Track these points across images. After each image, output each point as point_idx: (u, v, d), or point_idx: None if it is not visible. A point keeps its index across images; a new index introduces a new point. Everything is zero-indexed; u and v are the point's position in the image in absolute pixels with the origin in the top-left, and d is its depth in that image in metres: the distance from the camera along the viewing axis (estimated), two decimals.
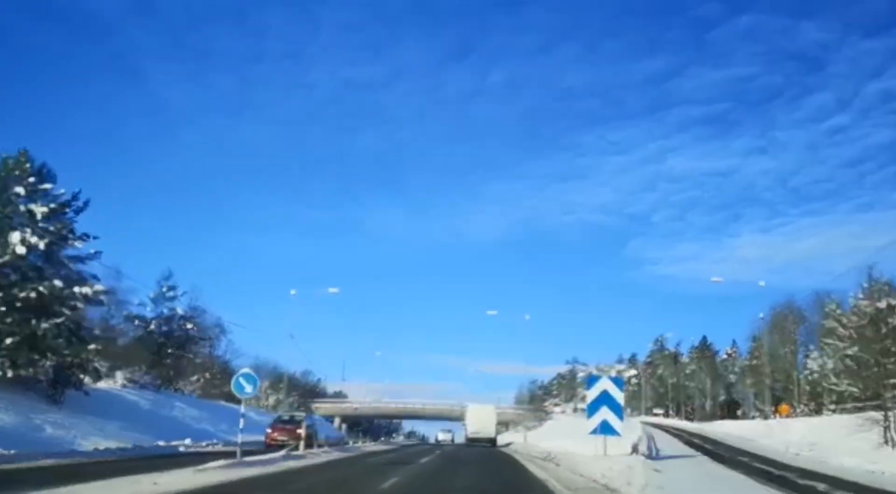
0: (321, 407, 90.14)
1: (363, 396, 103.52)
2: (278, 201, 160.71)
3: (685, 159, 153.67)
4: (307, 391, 76.47)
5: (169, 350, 35.93)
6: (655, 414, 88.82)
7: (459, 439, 59.11)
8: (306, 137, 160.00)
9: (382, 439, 77.75)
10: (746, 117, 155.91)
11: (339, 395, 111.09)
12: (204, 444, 23.84)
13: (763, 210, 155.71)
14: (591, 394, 21.77)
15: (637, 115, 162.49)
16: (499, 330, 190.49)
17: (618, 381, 22.50)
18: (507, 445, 49.98)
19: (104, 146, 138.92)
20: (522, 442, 46.02)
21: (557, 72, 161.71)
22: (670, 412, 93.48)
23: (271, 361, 67.65)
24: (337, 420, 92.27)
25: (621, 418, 20.98)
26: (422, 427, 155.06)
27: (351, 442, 42.66)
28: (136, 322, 35.27)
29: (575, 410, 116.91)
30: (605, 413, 20.67)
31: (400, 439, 79.66)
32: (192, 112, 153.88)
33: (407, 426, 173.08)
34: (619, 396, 21.00)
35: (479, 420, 47.73)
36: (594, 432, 20.96)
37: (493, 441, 45.76)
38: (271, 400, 54.88)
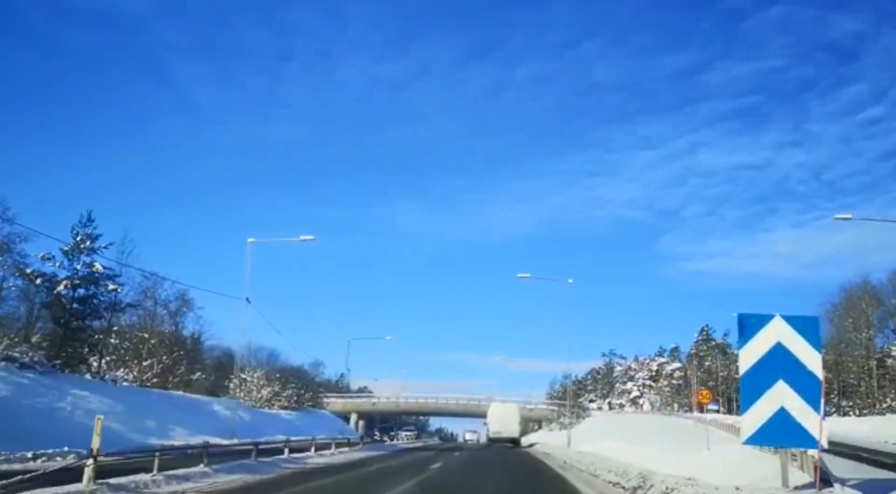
0: (333, 402, 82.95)
1: (389, 393, 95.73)
2: (304, 202, 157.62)
3: (716, 154, 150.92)
4: (314, 385, 68.77)
5: (80, 322, 28.12)
6: (710, 411, 79.38)
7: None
8: (333, 136, 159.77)
9: (387, 438, 69.74)
10: (778, 110, 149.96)
11: (363, 391, 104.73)
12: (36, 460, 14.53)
13: (797, 204, 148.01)
14: (750, 353, 9.86)
15: (666, 109, 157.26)
16: (530, 327, 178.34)
17: (806, 324, 9.88)
18: (531, 446, 44.42)
19: (131, 146, 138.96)
20: (559, 445, 37.94)
21: (584, 67, 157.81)
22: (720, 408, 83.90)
23: (267, 347, 60.55)
24: (354, 417, 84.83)
25: (819, 406, 9.46)
26: (451, 425, 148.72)
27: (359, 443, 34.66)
28: (39, 282, 27.54)
29: (611, 406, 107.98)
30: (781, 395, 9.42)
31: (403, 439, 70.31)
32: (220, 112, 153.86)
33: (435, 423, 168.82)
34: (813, 358, 9.59)
35: (501, 419, 44.93)
36: (757, 437, 9.81)
37: (515, 442, 42.46)
38: (265, 392, 47.24)
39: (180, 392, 35.72)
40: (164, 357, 36.64)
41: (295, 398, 51.19)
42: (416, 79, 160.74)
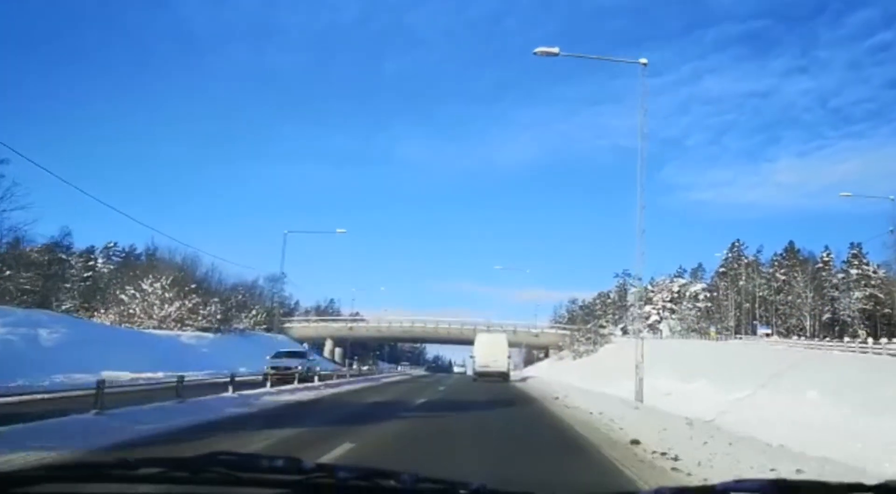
0: (301, 327, 70.80)
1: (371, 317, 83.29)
2: (304, 131, 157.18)
3: (722, 80, 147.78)
4: (267, 305, 55.90)
5: None
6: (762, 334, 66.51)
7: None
8: (333, 64, 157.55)
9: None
10: (787, 35, 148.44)
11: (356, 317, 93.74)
12: None
13: (802, 133, 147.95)
14: None
15: (672, 34, 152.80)
16: (534, 257, 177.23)
17: None
18: (524, 380, 41.66)
19: (130, 72, 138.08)
20: (583, 388, 25.57)
21: None
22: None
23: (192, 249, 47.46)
24: (329, 345, 72.73)
25: None
26: (451, 354, 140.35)
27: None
28: None
29: (625, 332, 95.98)
30: None
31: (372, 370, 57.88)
32: (216, 38, 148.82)
33: (433, 353, 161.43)
34: None
35: (489, 352, 41.08)
36: None
37: (504, 376, 39.80)
38: (173, 309, 34.13)
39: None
40: None
41: (219, 318, 38.25)
42: (416, 2, 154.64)
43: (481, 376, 39.19)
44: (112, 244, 78.68)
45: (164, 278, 35.85)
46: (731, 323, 79.05)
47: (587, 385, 28.53)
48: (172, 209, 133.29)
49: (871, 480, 1.61)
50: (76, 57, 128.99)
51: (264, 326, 54.49)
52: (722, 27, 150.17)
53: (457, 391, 25.62)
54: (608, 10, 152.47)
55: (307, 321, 73.20)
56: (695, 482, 6.28)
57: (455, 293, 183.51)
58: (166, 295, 35.11)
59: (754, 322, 75.41)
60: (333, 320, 75.23)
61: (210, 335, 35.93)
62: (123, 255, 75.14)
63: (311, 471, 1.70)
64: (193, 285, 38.06)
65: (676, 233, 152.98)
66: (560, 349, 67.88)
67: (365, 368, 57.47)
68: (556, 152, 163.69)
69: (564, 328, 73.11)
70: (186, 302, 35.93)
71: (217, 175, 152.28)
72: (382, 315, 74.03)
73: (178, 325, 35.31)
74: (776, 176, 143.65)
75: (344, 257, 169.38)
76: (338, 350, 73.04)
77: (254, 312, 53.51)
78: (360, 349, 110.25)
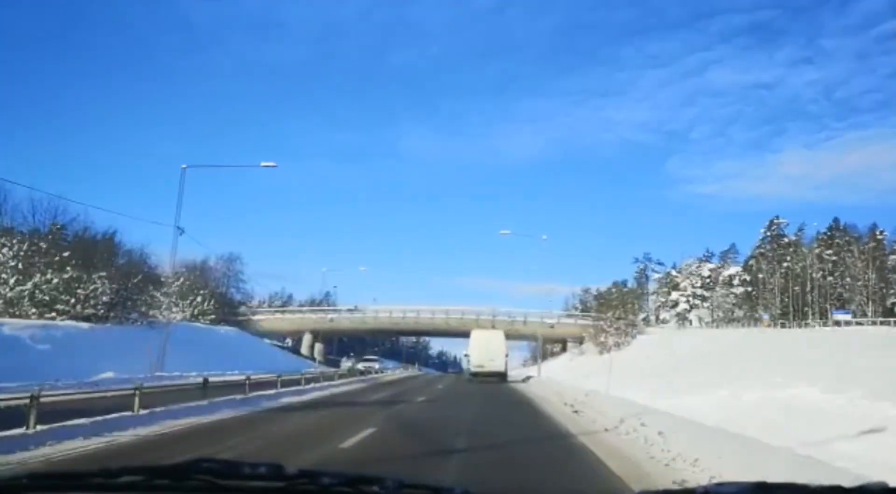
0: (272, 319, 60.38)
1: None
2: (308, 125, 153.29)
3: (727, 71, 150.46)
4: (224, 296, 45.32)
5: None
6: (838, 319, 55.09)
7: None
8: (336, 57, 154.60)
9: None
10: (792, 25, 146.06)
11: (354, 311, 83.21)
12: None
13: (808, 124, 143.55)
14: None
15: (677, 25, 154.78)
16: (542, 251, 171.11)
17: None
18: (524, 380, 37.02)
19: (130, 66, 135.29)
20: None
21: None
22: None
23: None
24: (307, 339, 62.19)
25: None
26: (457, 348, 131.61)
27: None
28: None
29: (647, 322, 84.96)
30: None
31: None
32: (218, 31, 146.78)
33: (437, 347, 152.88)
34: None
35: (485, 350, 38.31)
36: None
37: (502, 376, 37.26)
38: (29, 287, 23.46)
39: None
40: None
41: (106, 301, 27.49)
42: None
43: (476, 376, 36.95)
44: None
45: (16, 243, 25.24)
46: (777, 310, 68.05)
47: (632, 394, 18.08)
48: (172, 208, 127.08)
49: (849, 483, 1.61)
50: (77, 51, 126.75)
51: (211, 316, 44.24)
52: (727, 17, 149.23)
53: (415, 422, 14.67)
54: (613, 0, 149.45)
55: (281, 312, 62.73)
56: None
57: (461, 288, 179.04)
58: (19, 267, 24.66)
59: (825, 306, 63.92)
60: (313, 311, 64.15)
61: (86, 326, 25.42)
62: None
63: (294, 478, 1.66)
64: (67, 254, 27.47)
65: (682, 226, 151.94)
66: (579, 341, 57.16)
67: (361, 366, 47.22)
68: (561, 145, 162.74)
69: (587, 317, 62.12)
70: (49, 277, 25.22)
71: (217, 171, 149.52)
72: (372, 307, 62.99)
73: (48, 310, 24.96)
74: (782, 168, 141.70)
75: (344, 254, 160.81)
76: (318, 346, 62.59)
77: (199, 298, 43.10)
78: (358, 345, 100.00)
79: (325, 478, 1.61)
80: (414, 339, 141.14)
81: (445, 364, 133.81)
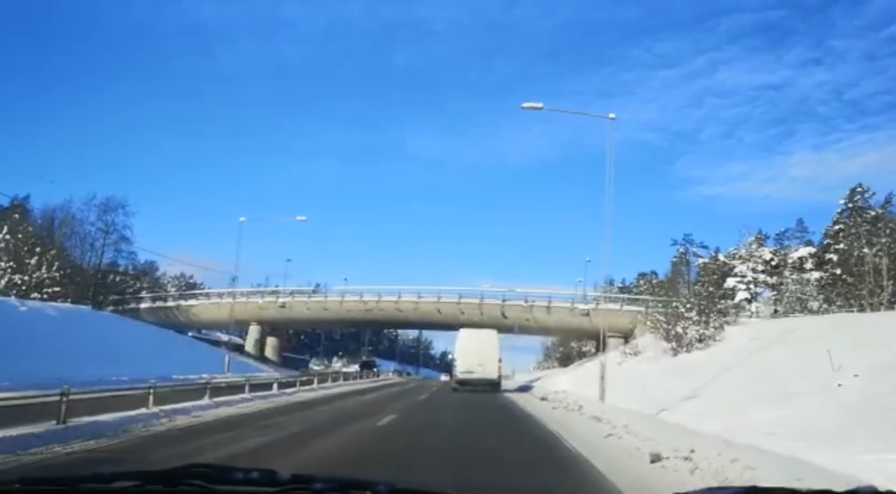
0: (208, 305, 45.30)
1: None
2: (313, 126, 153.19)
3: (736, 72, 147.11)
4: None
5: None
6: None
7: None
8: (341, 57, 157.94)
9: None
10: (802, 25, 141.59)
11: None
12: None
13: (817, 126, 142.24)
14: None
15: (685, 25, 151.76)
16: (546, 251, 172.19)
17: None
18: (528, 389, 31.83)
19: (136, 65, 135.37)
20: None
21: None
22: None
23: None
24: (254, 331, 46.69)
25: None
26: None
27: None
28: None
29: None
30: None
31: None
32: (223, 31, 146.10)
33: (440, 346, 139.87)
34: None
35: (474, 353, 31.51)
36: None
37: (495, 384, 31.44)
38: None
39: None
40: None
41: None
42: None
43: (463, 384, 31.32)
44: None
45: None
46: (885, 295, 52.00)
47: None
48: (178, 207, 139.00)
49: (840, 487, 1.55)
50: (82, 50, 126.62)
51: (54, 289, 28.97)
52: (735, 17, 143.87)
53: None
54: (620, 0, 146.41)
55: (209, 294, 47.29)
56: None
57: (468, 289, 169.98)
58: None
59: None
60: (255, 292, 47.85)
61: None
62: None
63: (287, 483, 1.67)
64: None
65: (690, 227, 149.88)
66: (625, 337, 41.06)
67: (353, 369, 34.59)
68: (567, 146, 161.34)
69: (638, 301, 45.72)
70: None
71: (223, 171, 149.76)
72: (337, 288, 46.59)
73: None
74: (792, 170, 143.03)
75: (344, 253, 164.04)
76: (271, 341, 47.21)
77: (33, 261, 27.54)
78: (354, 342, 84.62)
79: (318, 483, 1.62)
80: (413, 337, 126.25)
81: (449, 366, 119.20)
